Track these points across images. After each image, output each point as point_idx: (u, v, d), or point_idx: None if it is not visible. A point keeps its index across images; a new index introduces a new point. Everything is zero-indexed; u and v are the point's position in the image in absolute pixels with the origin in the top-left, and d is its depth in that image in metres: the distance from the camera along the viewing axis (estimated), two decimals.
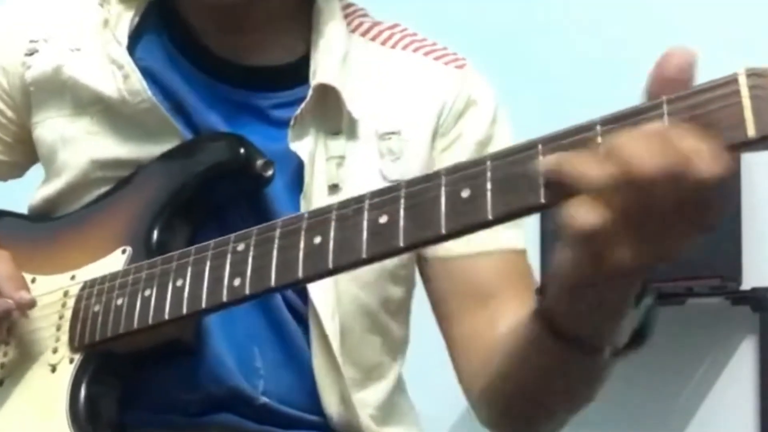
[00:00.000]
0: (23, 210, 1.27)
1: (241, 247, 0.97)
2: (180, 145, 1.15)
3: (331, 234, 0.90)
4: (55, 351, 1.11)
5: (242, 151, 1.12)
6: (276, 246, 0.94)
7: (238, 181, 1.13)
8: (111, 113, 1.17)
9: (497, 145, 1.18)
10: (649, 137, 0.74)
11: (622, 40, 2.76)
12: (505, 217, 0.82)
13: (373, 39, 1.23)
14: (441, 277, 1.18)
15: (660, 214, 0.75)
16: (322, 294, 1.12)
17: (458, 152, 1.18)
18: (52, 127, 1.20)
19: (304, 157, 1.14)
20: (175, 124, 1.15)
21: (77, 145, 1.18)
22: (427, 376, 1.61)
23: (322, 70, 1.16)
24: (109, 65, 1.17)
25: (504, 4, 2.98)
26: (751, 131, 0.72)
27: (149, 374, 1.12)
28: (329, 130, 1.16)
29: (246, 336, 1.14)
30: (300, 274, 0.92)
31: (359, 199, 0.89)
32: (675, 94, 0.76)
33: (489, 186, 0.81)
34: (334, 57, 1.17)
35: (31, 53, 1.21)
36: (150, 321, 1.03)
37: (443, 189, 0.84)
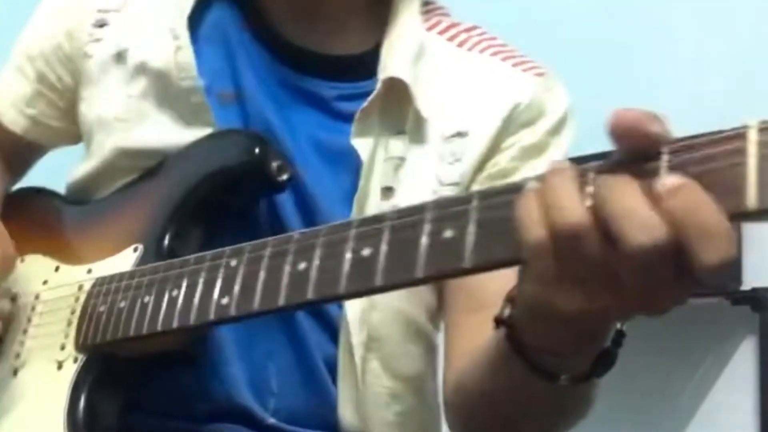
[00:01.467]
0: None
1: (233, 262, 0.91)
2: (198, 140, 1.10)
3: (316, 262, 0.82)
4: (63, 347, 1.08)
5: (257, 151, 1.06)
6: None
7: (252, 184, 1.08)
8: (151, 94, 1.13)
9: (548, 156, 1.12)
10: (648, 202, 0.63)
11: (623, 38, 2.77)
12: None
13: (450, 39, 1.17)
14: (451, 285, 1.12)
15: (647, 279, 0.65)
16: (356, 303, 1.07)
17: (509, 155, 1.11)
18: (94, 104, 1.17)
19: (364, 154, 1.08)
20: (211, 112, 1.10)
21: (109, 130, 1.14)
22: None
23: (393, 63, 1.10)
24: (167, 32, 1.13)
25: (504, 3, 2.99)
26: (752, 201, 0.59)
27: (156, 380, 1.09)
28: (392, 129, 1.10)
29: (263, 352, 1.10)
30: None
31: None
32: (677, 143, 0.63)
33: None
34: (406, 52, 1.11)
35: (100, 25, 1.18)
36: (144, 330, 0.99)
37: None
